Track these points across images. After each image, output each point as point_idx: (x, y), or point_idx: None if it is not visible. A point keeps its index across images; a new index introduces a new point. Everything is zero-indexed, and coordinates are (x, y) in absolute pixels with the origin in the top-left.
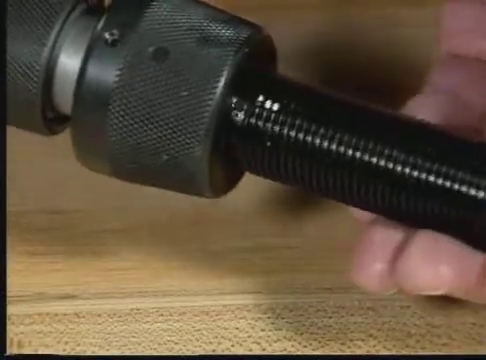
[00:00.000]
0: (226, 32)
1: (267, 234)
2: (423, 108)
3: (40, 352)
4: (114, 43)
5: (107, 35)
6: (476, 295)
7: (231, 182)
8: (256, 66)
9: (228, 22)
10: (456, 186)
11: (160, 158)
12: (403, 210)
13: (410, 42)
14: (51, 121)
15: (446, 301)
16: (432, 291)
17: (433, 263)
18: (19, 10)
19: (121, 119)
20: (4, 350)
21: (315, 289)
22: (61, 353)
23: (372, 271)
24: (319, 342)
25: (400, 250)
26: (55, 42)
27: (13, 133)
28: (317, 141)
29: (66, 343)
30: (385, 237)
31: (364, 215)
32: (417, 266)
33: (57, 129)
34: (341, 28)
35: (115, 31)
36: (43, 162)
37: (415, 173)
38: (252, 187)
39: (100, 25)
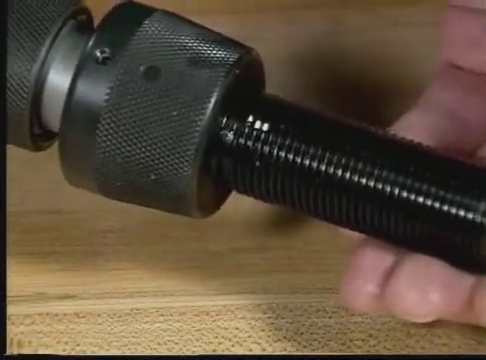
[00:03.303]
0: (217, 53)
1: (267, 234)
2: (417, 125)
3: (40, 352)
4: (105, 61)
5: (98, 53)
6: (466, 318)
7: (218, 201)
8: (246, 86)
9: (219, 43)
10: (442, 207)
11: (148, 177)
12: (392, 231)
13: (408, 42)
14: (38, 137)
15: None
16: (422, 318)
17: (420, 290)
18: (9, 26)
19: (110, 137)
20: (4, 350)
21: (315, 289)
22: (61, 353)
23: (363, 294)
24: (319, 342)
25: (389, 274)
26: (45, 58)
27: None
28: (306, 161)
29: (66, 343)
30: (375, 260)
31: (355, 235)
32: (404, 292)
33: (43, 145)
34: (337, 28)
35: (106, 49)
36: (43, 162)
37: (404, 194)
38: None
39: (91, 43)
